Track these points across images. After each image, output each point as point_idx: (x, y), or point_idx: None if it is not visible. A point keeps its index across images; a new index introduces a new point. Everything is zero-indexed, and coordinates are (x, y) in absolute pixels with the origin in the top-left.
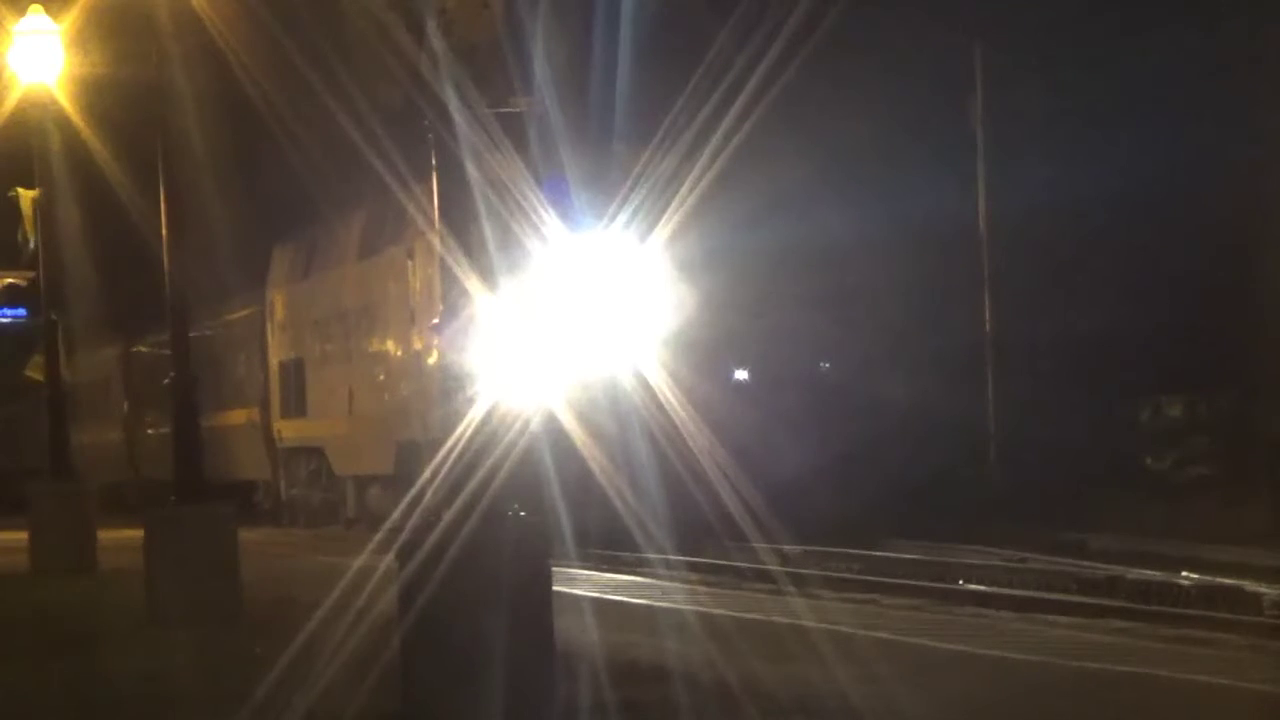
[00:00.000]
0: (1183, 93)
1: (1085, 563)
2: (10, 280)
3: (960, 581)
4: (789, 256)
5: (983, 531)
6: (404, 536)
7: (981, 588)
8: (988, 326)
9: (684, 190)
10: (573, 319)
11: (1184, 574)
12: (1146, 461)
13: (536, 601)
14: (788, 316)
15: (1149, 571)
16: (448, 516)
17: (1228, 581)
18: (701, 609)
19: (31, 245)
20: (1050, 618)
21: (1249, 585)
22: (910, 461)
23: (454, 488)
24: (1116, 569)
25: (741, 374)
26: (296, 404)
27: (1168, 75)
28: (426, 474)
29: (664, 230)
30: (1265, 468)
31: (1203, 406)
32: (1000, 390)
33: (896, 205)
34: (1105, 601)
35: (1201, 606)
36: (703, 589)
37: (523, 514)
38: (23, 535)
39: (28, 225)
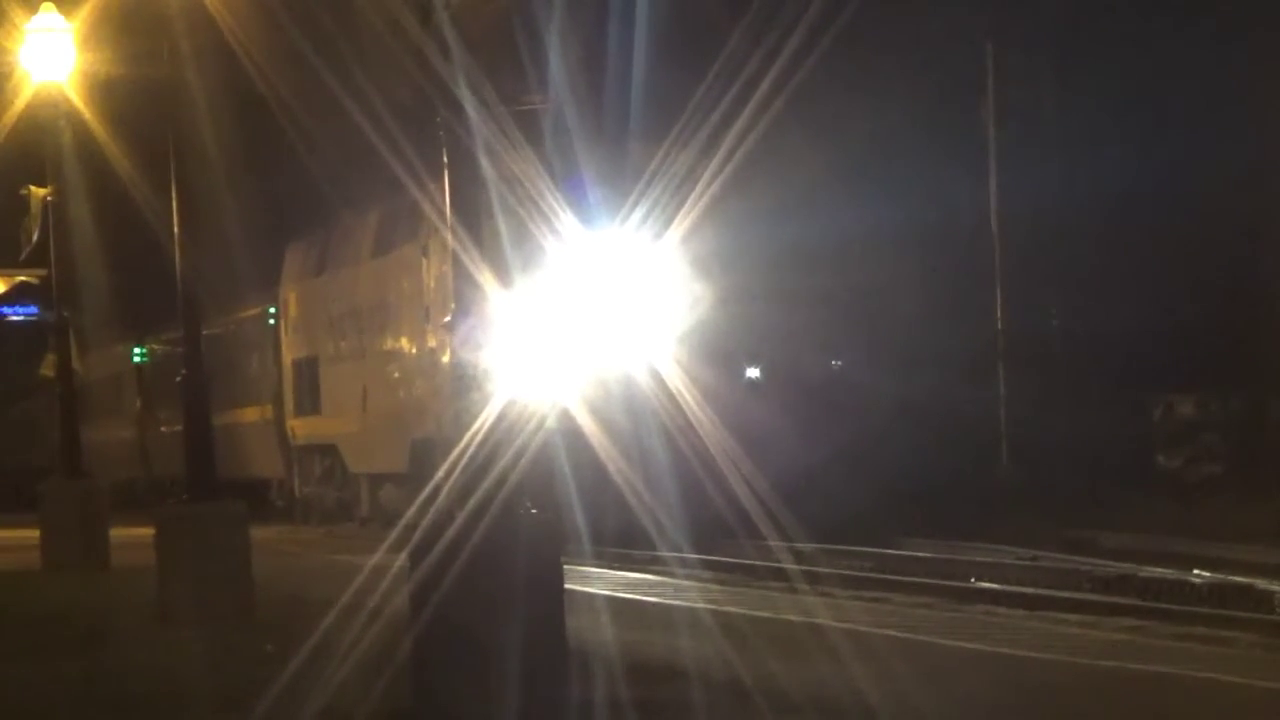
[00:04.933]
0: (1197, 90)
1: (1097, 561)
2: (22, 278)
3: (972, 579)
4: (801, 254)
5: (994, 529)
6: (417, 536)
7: (993, 586)
8: (999, 324)
9: (699, 187)
10: (587, 316)
11: (1196, 572)
12: (1158, 459)
13: (549, 599)
14: (800, 314)
15: (1161, 569)
16: (461, 515)
17: (1240, 580)
18: (714, 606)
19: (34, 241)
20: (1062, 616)
21: (1261, 583)
22: (922, 459)
23: (468, 486)
24: (1128, 567)
25: (753, 372)
26: (310, 402)
27: (1181, 72)
28: (441, 472)
29: (679, 228)
30: (1277, 466)
31: (1215, 404)
32: (1012, 387)
33: (908, 202)
34: (1117, 599)
35: (1213, 605)
36: (716, 586)
37: (534, 511)
38: (35, 533)
39: (32, 223)
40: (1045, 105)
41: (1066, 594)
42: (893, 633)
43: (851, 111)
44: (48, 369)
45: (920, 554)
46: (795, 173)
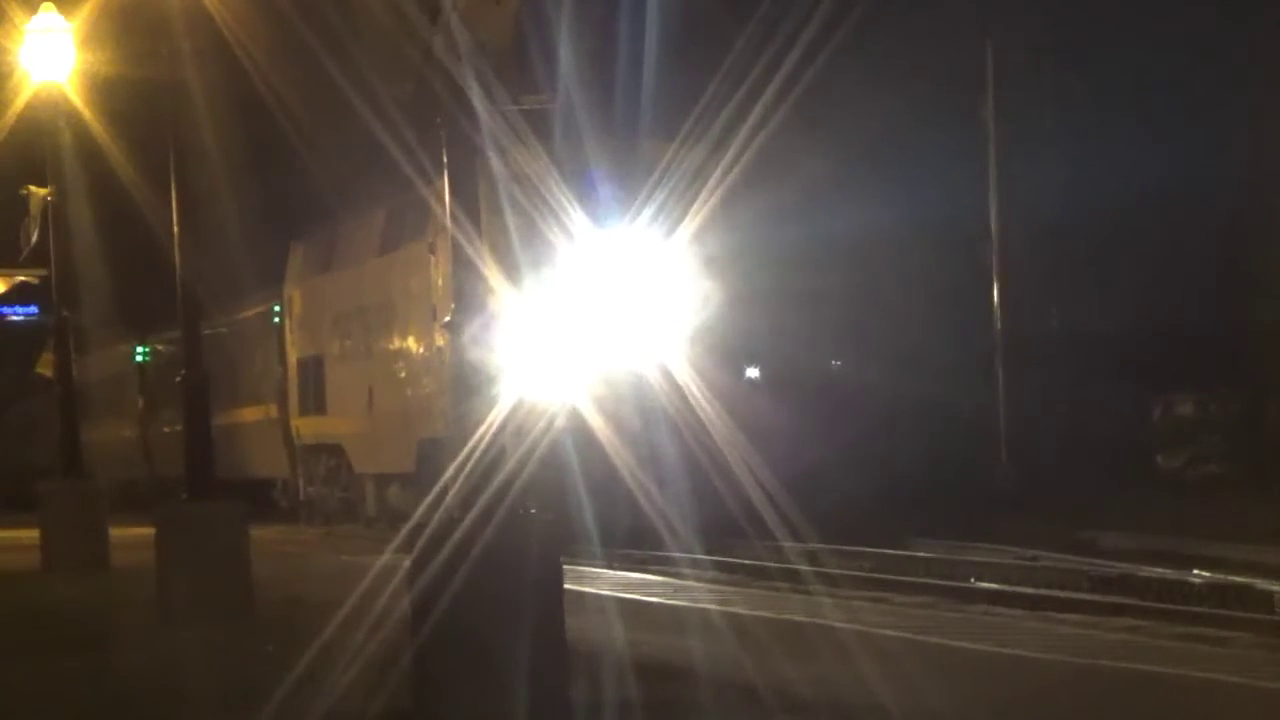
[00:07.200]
0: (1197, 91)
1: (1097, 560)
2: (22, 278)
3: (972, 579)
4: (805, 253)
5: (995, 529)
6: (421, 538)
7: (994, 586)
8: (999, 324)
9: (709, 186)
10: (596, 314)
11: (1195, 572)
12: (1158, 459)
13: (549, 600)
14: (802, 313)
15: (1161, 569)
16: (467, 518)
17: (1239, 579)
18: (720, 606)
19: (34, 242)
20: (1062, 616)
21: (1260, 583)
22: (922, 459)
23: (474, 488)
24: (1128, 567)
25: (752, 372)
26: (315, 401)
27: (1182, 73)
28: (449, 473)
29: (689, 226)
30: (1277, 466)
31: (1214, 405)
32: (1012, 388)
33: (909, 202)
34: (1117, 599)
35: (1213, 605)
36: (720, 586)
37: (534, 512)
38: (35, 533)
39: (32, 224)
40: (1045, 105)
41: (1066, 594)
42: (895, 632)
43: (854, 111)
44: (43, 367)
45: (921, 554)
46: (800, 172)
